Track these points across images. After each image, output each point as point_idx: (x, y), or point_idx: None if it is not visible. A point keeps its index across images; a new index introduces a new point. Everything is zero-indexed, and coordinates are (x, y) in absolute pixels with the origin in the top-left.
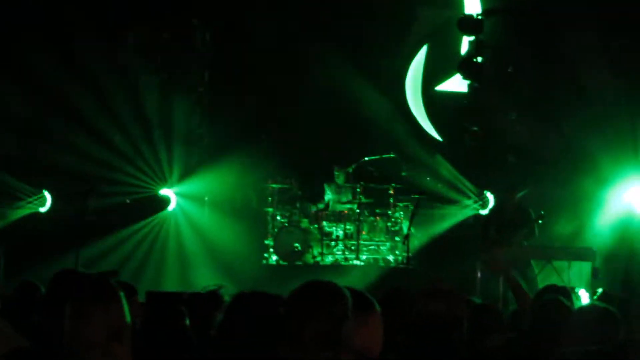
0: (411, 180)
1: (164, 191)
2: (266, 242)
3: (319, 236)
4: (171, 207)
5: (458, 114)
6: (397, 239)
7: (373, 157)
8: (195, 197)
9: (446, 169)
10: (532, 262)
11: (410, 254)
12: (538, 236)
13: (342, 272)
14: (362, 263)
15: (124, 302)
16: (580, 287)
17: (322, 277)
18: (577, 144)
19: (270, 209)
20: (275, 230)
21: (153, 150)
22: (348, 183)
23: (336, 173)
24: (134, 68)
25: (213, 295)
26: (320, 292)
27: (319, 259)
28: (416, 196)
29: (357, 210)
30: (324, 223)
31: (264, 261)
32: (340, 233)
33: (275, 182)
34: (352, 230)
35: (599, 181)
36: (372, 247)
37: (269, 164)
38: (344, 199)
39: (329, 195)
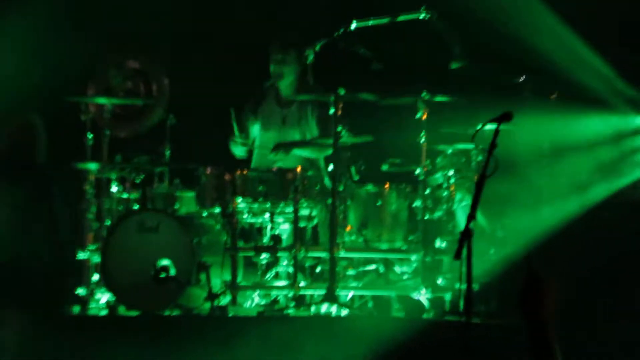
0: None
1: None
2: (82, 255)
3: (227, 241)
4: None
5: None
6: (439, 243)
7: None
8: None
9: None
10: None
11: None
12: None
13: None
14: (344, 311)
15: None
16: None
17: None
18: None
19: (91, 165)
20: (107, 224)
21: None
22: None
23: (275, 55)
24: None
25: None
26: None
27: (225, 300)
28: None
29: (326, 173)
30: (243, 205)
31: (76, 308)
32: (283, 231)
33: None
34: (318, 220)
35: None
36: (372, 264)
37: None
38: (292, 135)
39: (252, 135)
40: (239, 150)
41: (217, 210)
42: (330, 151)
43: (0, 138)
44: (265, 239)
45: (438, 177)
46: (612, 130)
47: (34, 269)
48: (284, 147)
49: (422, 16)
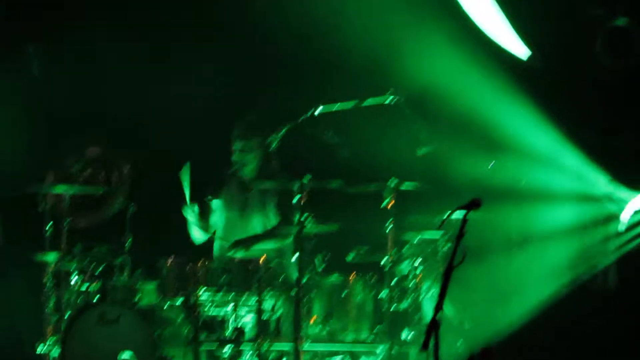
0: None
1: None
2: (41, 348)
3: (189, 333)
4: None
5: None
6: (405, 334)
7: (332, 106)
8: None
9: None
10: None
11: None
12: None
13: None
14: None
15: None
16: None
17: None
18: None
19: (50, 257)
20: (67, 317)
21: None
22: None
23: (237, 143)
24: None
25: None
26: None
27: None
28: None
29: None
30: (205, 296)
31: None
32: (246, 323)
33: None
34: (282, 311)
35: None
36: (337, 356)
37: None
38: (259, 220)
39: (215, 213)
40: (198, 235)
41: (180, 301)
42: (290, 239)
43: None
44: (228, 332)
45: (405, 266)
46: (583, 217)
47: None
48: (243, 244)
49: (388, 100)
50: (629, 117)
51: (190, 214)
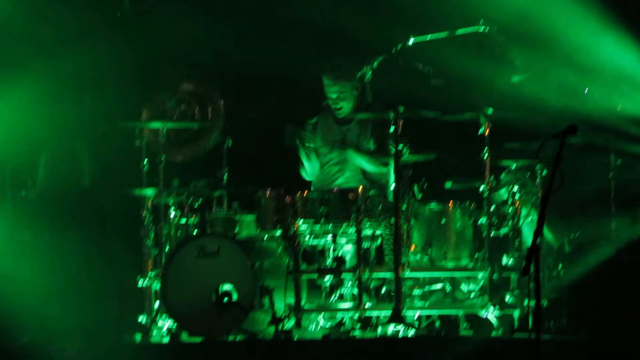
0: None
1: None
2: (142, 282)
3: (289, 263)
4: None
5: None
6: (505, 260)
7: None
8: None
9: None
10: None
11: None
12: None
13: None
14: (411, 331)
15: None
16: None
17: None
18: None
19: (147, 191)
20: (167, 250)
21: None
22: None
23: (329, 83)
24: None
25: None
26: None
27: (290, 324)
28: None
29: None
30: (304, 227)
31: (138, 336)
32: (346, 252)
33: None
34: (381, 240)
35: None
36: (438, 283)
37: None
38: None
39: (310, 159)
40: (307, 176)
41: (278, 233)
42: (385, 169)
43: (45, 165)
44: (329, 261)
45: (502, 193)
46: None
47: (95, 298)
48: (350, 147)
49: (481, 29)
50: None
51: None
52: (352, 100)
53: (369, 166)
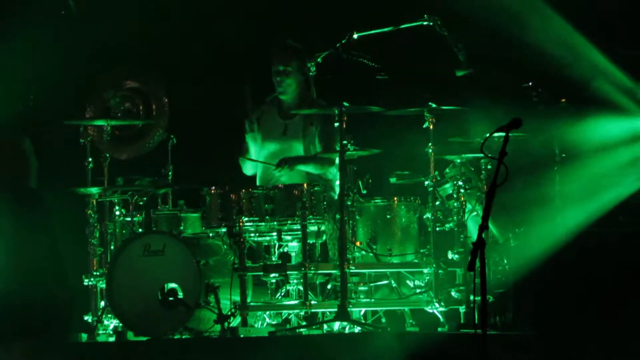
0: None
1: None
2: (87, 281)
3: (234, 261)
4: None
5: None
6: (451, 255)
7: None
8: None
9: None
10: None
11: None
12: None
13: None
14: (357, 328)
15: None
16: None
17: None
18: None
19: (92, 190)
20: (112, 249)
21: None
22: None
23: (275, 64)
24: None
25: None
26: None
27: (236, 322)
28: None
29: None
30: (249, 224)
31: (84, 336)
32: (291, 248)
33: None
34: (326, 236)
35: None
36: (384, 279)
37: None
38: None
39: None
40: (247, 169)
41: (224, 230)
42: (333, 167)
43: None
44: (274, 258)
45: (447, 187)
46: (625, 132)
47: (39, 297)
48: (288, 162)
49: (425, 23)
50: None
51: (246, 164)
52: (296, 81)
53: (316, 171)
